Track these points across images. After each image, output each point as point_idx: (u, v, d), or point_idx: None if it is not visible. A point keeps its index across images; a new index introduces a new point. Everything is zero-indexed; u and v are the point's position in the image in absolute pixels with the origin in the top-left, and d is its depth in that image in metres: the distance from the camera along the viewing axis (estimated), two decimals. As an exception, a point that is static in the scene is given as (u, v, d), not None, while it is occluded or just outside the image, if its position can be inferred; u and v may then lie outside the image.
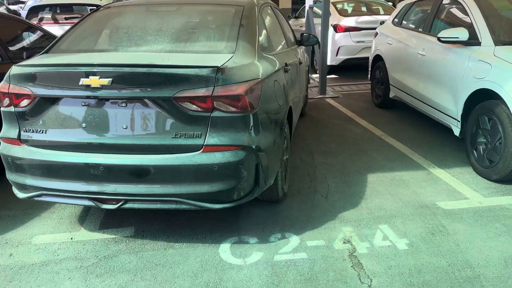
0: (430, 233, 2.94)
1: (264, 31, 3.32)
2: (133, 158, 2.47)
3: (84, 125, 2.52)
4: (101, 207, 2.61)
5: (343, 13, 8.52)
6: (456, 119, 4.16)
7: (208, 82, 2.40)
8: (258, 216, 3.19)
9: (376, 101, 6.35)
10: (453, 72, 4.18)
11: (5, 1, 14.09)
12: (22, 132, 2.63)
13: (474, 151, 3.89)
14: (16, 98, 2.58)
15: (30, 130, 2.61)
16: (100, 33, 3.16)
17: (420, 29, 5.17)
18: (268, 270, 2.57)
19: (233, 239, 2.90)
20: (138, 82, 2.39)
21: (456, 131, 4.19)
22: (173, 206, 2.55)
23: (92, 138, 2.52)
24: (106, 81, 2.36)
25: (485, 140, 3.76)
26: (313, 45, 5.14)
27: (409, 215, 3.19)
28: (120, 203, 2.56)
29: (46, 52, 2.97)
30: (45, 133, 2.58)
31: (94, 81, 2.37)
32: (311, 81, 7.66)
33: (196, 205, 2.53)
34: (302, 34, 5.03)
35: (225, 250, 2.78)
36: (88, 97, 2.47)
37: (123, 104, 2.46)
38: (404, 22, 5.73)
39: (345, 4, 9.12)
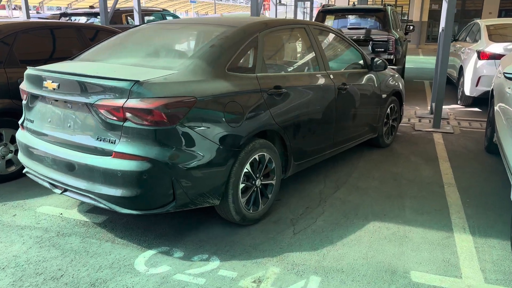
0: (357, 301, 2.44)
1: (252, 53, 3.26)
2: (68, 154, 2.84)
3: (49, 119, 3.02)
4: (53, 191, 3.07)
5: (495, 38, 7.22)
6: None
7: (123, 94, 2.59)
8: (210, 234, 3.17)
9: (486, 144, 5.25)
10: (516, 117, 3.25)
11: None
12: (25, 120, 3.30)
13: (517, 223, 2.97)
14: (23, 92, 3.27)
15: (27, 119, 3.26)
16: (110, 46, 3.63)
17: (521, 61, 4.11)
18: (155, 284, 2.59)
19: (164, 249, 2.98)
20: (73, 88, 2.75)
21: (512, 194, 3.24)
22: (92, 202, 2.82)
23: (50, 131, 2.99)
24: (55, 85, 2.81)
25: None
26: (381, 70, 4.65)
27: (360, 275, 2.69)
28: (62, 191, 2.97)
29: (72, 59, 3.61)
30: (32, 122, 3.19)
31: (49, 84, 2.85)
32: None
33: (106, 205, 2.74)
34: (372, 59, 4.62)
35: (145, 256, 2.90)
36: (48, 97, 2.96)
37: (69, 106, 2.86)
38: (520, 51, 4.62)
39: (509, 28, 7.69)
